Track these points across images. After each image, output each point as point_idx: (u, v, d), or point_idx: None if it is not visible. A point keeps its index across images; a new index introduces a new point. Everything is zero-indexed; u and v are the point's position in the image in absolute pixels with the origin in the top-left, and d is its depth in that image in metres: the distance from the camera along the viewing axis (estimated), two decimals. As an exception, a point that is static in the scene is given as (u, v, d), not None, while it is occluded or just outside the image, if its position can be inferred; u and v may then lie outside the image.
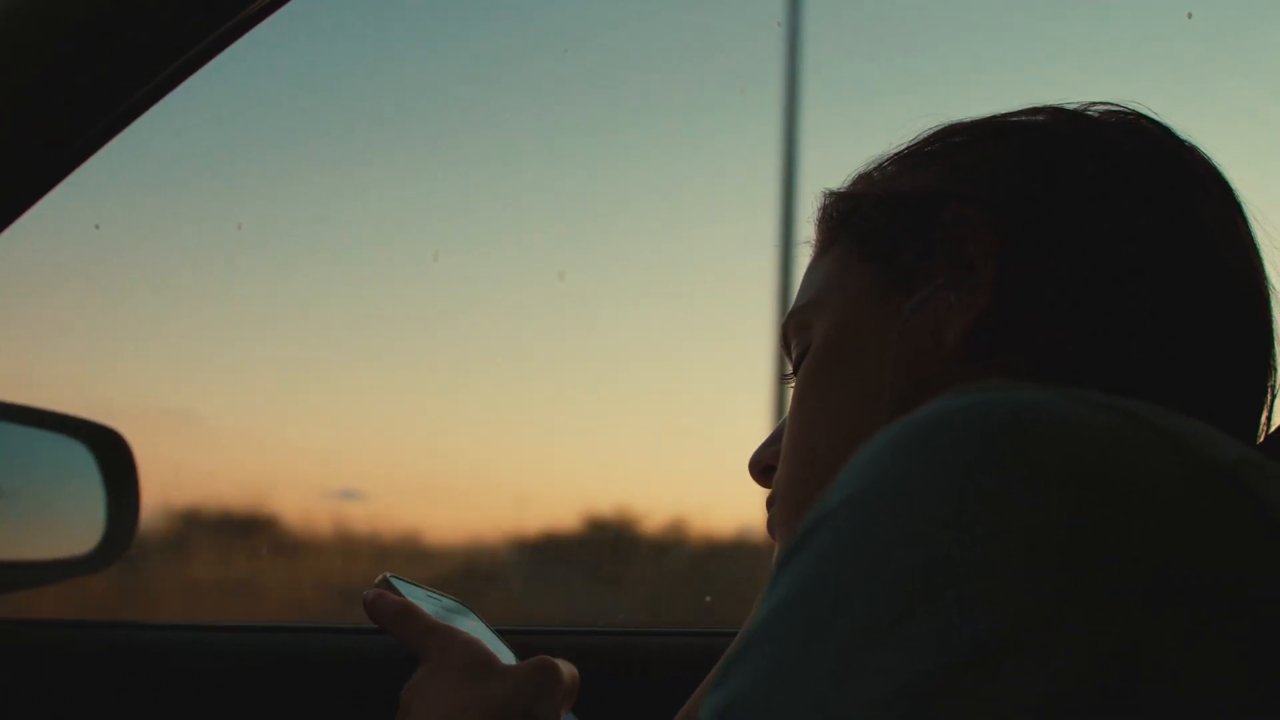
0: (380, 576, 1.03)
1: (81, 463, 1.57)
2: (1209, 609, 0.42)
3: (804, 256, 0.89)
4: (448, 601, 1.09)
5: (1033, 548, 0.43)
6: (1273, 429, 0.79)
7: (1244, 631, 0.42)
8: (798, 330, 0.84)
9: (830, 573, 0.47)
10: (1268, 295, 0.77)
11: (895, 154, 0.84)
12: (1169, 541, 0.44)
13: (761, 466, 0.89)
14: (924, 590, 0.44)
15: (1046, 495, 0.45)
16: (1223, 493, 0.46)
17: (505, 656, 1.00)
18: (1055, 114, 0.80)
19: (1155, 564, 0.43)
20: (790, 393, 0.84)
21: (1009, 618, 0.42)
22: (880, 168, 0.84)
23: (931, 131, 0.83)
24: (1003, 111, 0.81)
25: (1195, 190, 0.76)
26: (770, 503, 0.86)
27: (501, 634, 1.10)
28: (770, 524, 0.86)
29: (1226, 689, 0.41)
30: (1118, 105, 0.80)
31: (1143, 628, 0.42)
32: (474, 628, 1.05)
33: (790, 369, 0.86)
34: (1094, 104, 0.80)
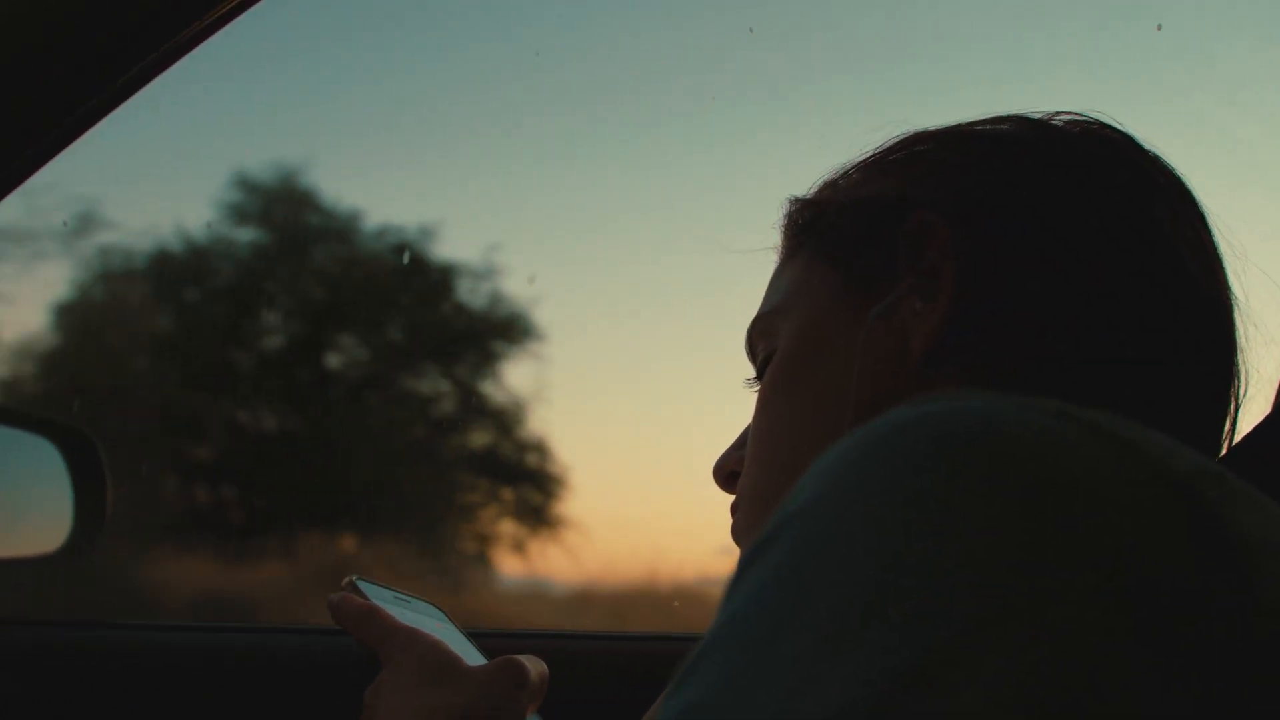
0: (346, 579, 1.03)
1: (49, 461, 1.56)
2: (1163, 619, 0.43)
3: (769, 263, 0.89)
4: (418, 603, 1.09)
5: (987, 557, 0.44)
6: (1236, 440, 0.80)
7: (1197, 641, 0.42)
8: (762, 336, 0.84)
9: (788, 579, 0.47)
10: (1230, 304, 0.77)
11: (860, 161, 0.84)
12: (1124, 551, 0.44)
13: (726, 472, 0.89)
14: (879, 599, 0.44)
15: (1001, 504, 0.45)
16: (1180, 504, 0.46)
17: (474, 658, 1.00)
18: (1019, 123, 0.80)
19: (1109, 573, 0.43)
20: (755, 399, 0.84)
21: (963, 626, 0.42)
22: (845, 174, 0.84)
23: (896, 139, 0.83)
24: (967, 120, 0.82)
25: (1157, 199, 0.76)
26: (735, 509, 0.86)
27: (473, 636, 1.09)
28: (734, 530, 0.86)
29: (1179, 699, 0.41)
30: (1081, 115, 0.80)
31: (1096, 637, 0.42)
32: (443, 630, 1.05)
33: (755, 375, 0.86)
34: (1058, 113, 0.80)
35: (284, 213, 4.04)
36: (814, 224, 0.83)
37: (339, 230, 4.11)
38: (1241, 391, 0.78)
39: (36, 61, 0.98)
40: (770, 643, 0.45)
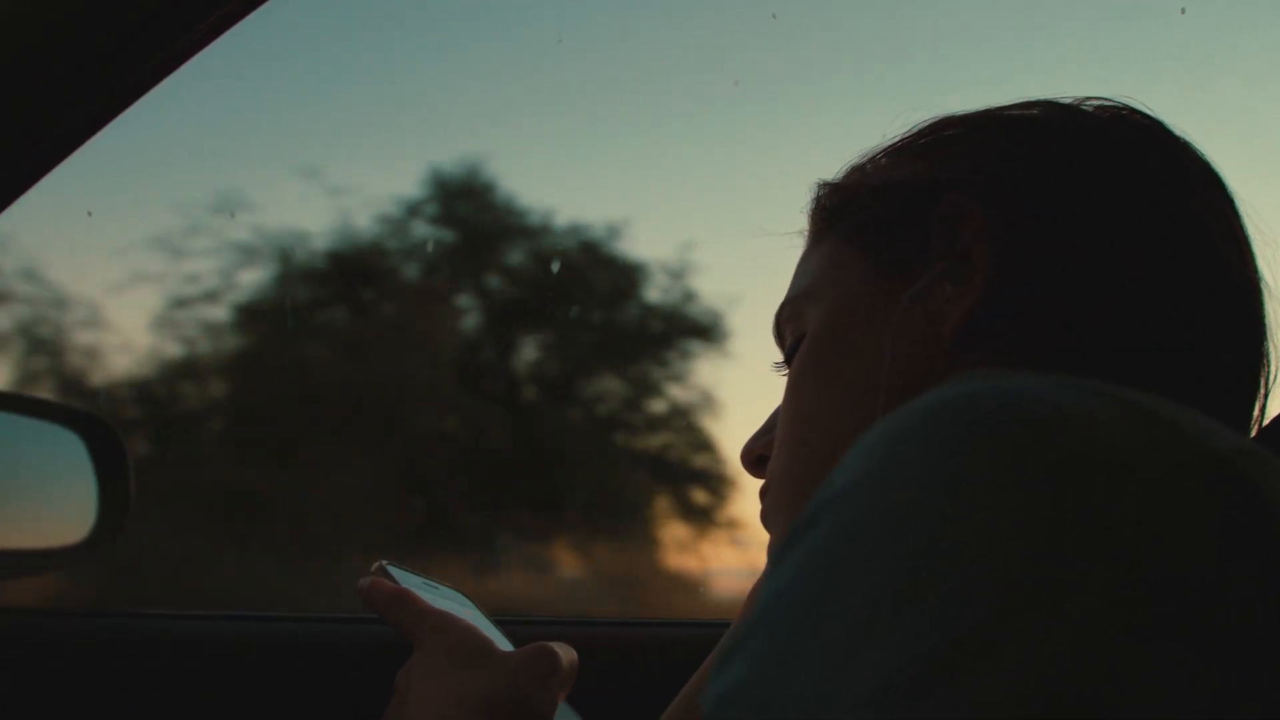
0: (376, 564, 1.04)
1: (73, 452, 1.57)
2: (1205, 597, 0.43)
3: (797, 248, 0.89)
4: (445, 590, 1.09)
5: (1029, 536, 0.44)
6: (1267, 423, 0.79)
7: (1239, 620, 0.43)
8: (791, 320, 0.84)
9: (829, 561, 0.47)
10: (1260, 289, 0.77)
11: (889, 146, 0.84)
12: (1166, 530, 0.44)
13: (754, 457, 0.89)
14: (920, 579, 0.44)
15: (1042, 483, 0.45)
16: (1221, 482, 0.47)
17: (503, 645, 1.01)
18: (1049, 107, 0.80)
19: (1152, 552, 0.43)
20: (785, 382, 0.84)
21: (986, 615, 0.42)
22: (874, 160, 0.84)
23: (925, 124, 0.83)
24: (996, 105, 0.82)
25: (1187, 184, 0.76)
26: (763, 493, 0.86)
27: (499, 623, 1.10)
28: (764, 514, 0.86)
29: (1200, 691, 0.41)
30: (1111, 100, 0.80)
31: (1115, 629, 0.42)
32: (472, 616, 1.05)
33: (783, 359, 0.86)
34: (1088, 99, 0.80)
35: (468, 209, 4.00)
36: (843, 208, 0.83)
37: (524, 228, 4.05)
38: (1271, 376, 0.78)
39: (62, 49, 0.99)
40: (804, 628, 0.46)
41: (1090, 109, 0.80)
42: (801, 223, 0.89)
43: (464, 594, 1.12)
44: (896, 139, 0.84)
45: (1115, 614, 0.42)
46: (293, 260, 3.79)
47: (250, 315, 3.84)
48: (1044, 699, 0.40)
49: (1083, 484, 0.45)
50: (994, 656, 0.41)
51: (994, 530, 0.44)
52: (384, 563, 1.03)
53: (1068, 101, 0.80)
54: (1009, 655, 0.41)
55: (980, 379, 0.52)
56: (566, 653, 0.95)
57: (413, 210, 3.93)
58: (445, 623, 0.95)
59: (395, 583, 1.01)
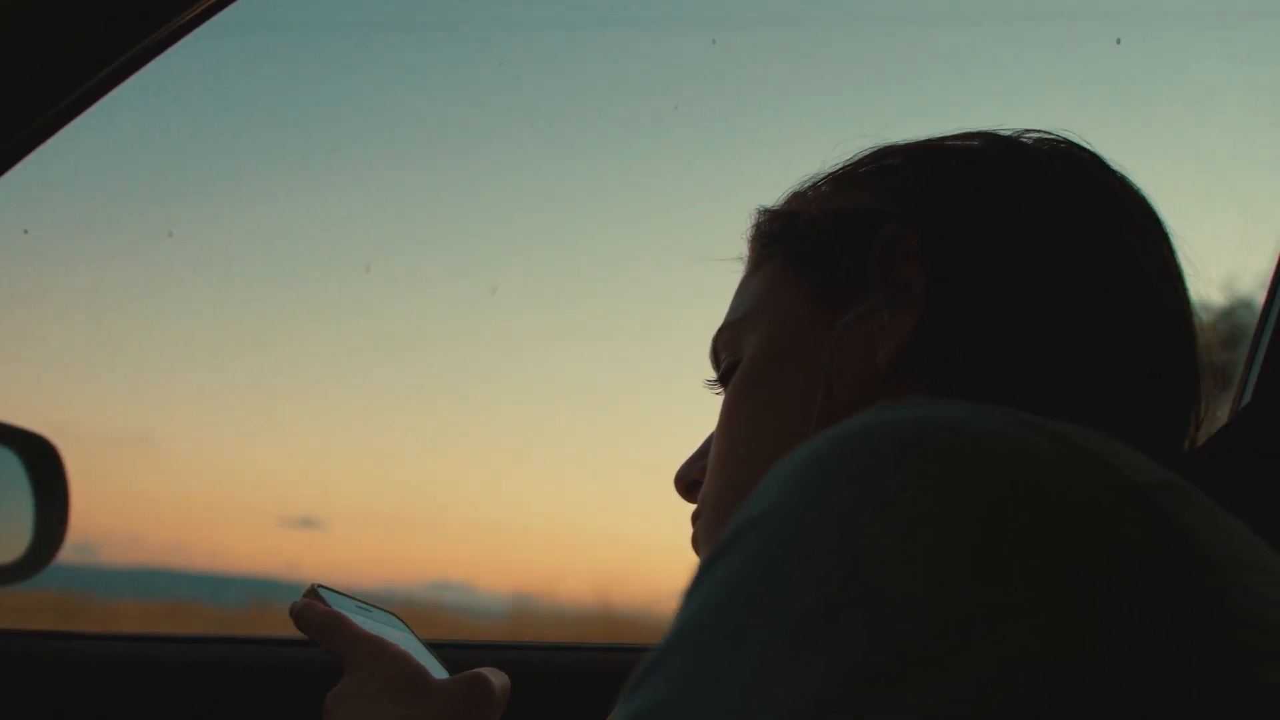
0: (308, 586, 1.03)
1: (9, 470, 1.54)
2: (1122, 627, 0.43)
3: (736, 274, 0.89)
4: (378, 613, 1.08)
5: (946, 563, 0.44)
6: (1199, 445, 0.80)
7: (1151, 655, 0.43)
8: (728, 345, 0.84)
9: (749, 583, 0.47)
10: (1193, 324, 0.78)
11: (830, 173, 0.84)
12: (1085, 558, 0.44)
13: (688, 481, 0.89)
14: (840, 603, 0.44)
15: (962, 513, 0.45)
16: (1141, 514, 0.47)
17: (436, 670, 1.00)
18: (989, 139, 0.81)
19: (1068, 580, 0.44)
20: (719, 407, 0.84)
21: (919, 634, 0.42)
22: (815, 186, 0.84)
23: (866, 152, 0.83)
24: (937, 135, 0.82)
25: (1123, 218, 0.77)
26: (695, 518, 0.86)
27: (433, 647, 1.09)
28: (695, 539, 0.86)
29: (1135, 708, 0.42)
30: (1050, 133, 0.81)
31: (1052, 642, 0.42)
32: (404, 640, 1.05)
33: (716, 379, 0.86)
34: (1028, 131, 0.81)
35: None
36: (783, 235, 0.83)
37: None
38: (1203, 405, 0.79)
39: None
40: (731, 645, 0.45)
41: (1030, 141, 0.80)
42: (741, 248, 0.89)
43: (397, 617, 1.12)
44: (837, 166, 0.84)
45: (1036, 637, 0.42)
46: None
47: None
48: (983, 713, 0.40)
49: (1006, 510, 0.45)
50: (919, 677, 0.41)
51: (928, 549, 0.44)
52: (316, 585, 1.02)
53: (1008, 134, 0.81)
54: (943, 673, 0.41)
55: (903, 406, 0.52)
56: (499, 679, 0.95)
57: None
58: (377, 648, 0.94)
59: (327, 605, 1.00)
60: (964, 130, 0.82)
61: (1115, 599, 0.44)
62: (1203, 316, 0.79)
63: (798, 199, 0.85)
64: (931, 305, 0.73)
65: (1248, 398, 1.56)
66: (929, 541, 0.44)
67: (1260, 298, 1.61)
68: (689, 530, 0.87)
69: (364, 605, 1.07)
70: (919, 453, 0.48)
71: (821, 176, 0.85)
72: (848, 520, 0.46)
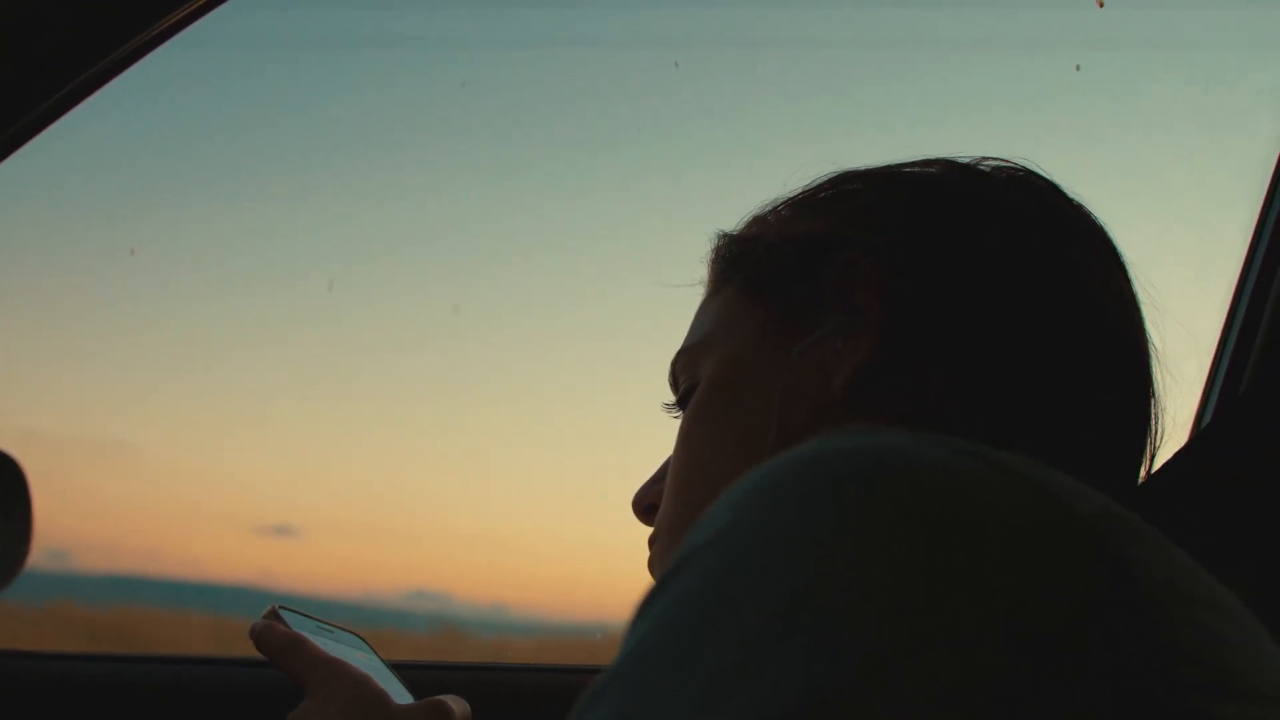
0: (269, 607, 1.02)
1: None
2: (1062, 658, 0.43)
3: (695, 297, 0.89)
4: (341, 634, 1.07)
5: (888, 590, 0.44)
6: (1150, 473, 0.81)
7: (1095, 681, 0.43)
8: (686, 368, 0.85)
9: (695, 608, 0.47)
10: (1147, 351, 0.79)
11: (789, 198, 0.84)
12: (1024, 587, 0.45)
13: (645, 505, 0.89)
14: (785, 628, 0.44)
15: (903, 540, 0.46)
16: (1083, 543, 0.47)
17: (398, 692, 0.99)
18: (947, 166, 0.81)
19: (1009, 609, 0.44)
20: (676, 431, 0.84)
21: (863, 659, 0.42)
22: (775, 211, 0.85)
23: (825, 178, 0.83)
24: (896, 161, 0.83)
25: (1079, 247, 0.78)
26: (652, 541, 0.86)
27: (395, 668, 1.08)
28: (651, 563, 0.86)
29: None
30: (1009, 161, 0.82)
31: (994, 672, 0.42)
32: (366, 662, 1.04)
33: (675, 403, 0.87)
34: (986, 158, 0.82)
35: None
36: (742, 259, 0.83)
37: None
38: (1157, 434, 0.80)
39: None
40: (677, 668, 0.45)
41: (988, 169, 0.81)
42: (701, 272, 0.89)
43: (361, 638, 1.11)
44: (797, 191, 0.84)
45: (994, 660, 0.42)
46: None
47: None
48: None
49: (955, 533, 0.46)
50: (873, 698, 0.41)
51: (871, 576, 0.44)
52: (277, 606, 1.02)
53: (966, 161, 0.82)
54: (887, 697, 0.41)
55: (851, 434, 0.52)
56: (459, 705, 0.94)
57: None
58: (337, 670, 0.93)
59: (287, 627, 0.99)
60: (922, 157, 0.82)
61: (1057, 629, 0.44)
62: (1158, 345, 0.80)
63: (757, 223, 0.85)
64: (887, 331, 0.74)
65: (1208, 419, 1.58)
66: (877, 567, 0.45)
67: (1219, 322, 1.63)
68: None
69: (326, 626, 1.06)
70: (858, 482, 0.48)
71: (781, 201, 0.85)
72: (798, 545, 0.47)
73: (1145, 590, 0.47)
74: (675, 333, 0.89)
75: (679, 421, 0.84)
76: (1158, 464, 0.80)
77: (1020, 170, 0.81)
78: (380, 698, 0.91)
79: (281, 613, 1.01)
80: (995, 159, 0.82)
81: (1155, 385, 0.79)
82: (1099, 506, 0.50)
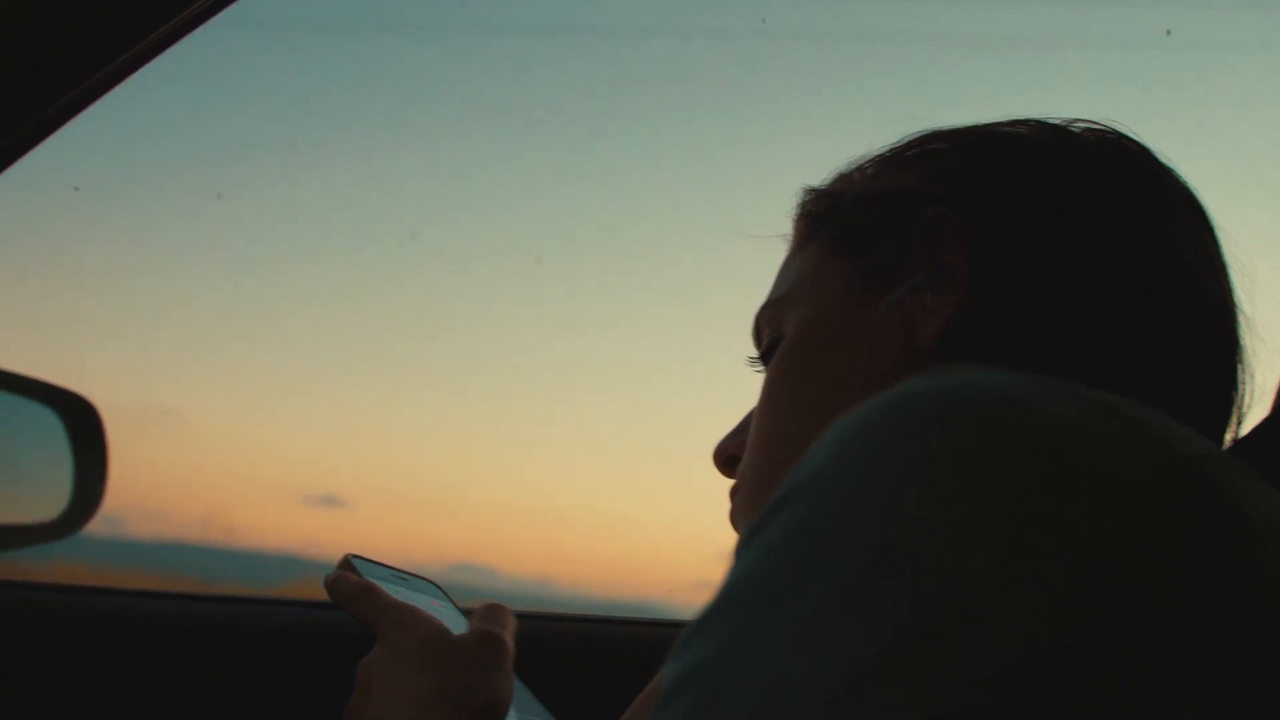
0: (342, 557, 1.04)
1: (50, 429, 1.56)
2: (1165, 594, 0.43)
3: (780, 252, 0.89)
4: (416, 582, 1.09)
5: (991, 525, 0.44)
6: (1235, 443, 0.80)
7: (1193, 620, 0.43)
8: (770, 322, 0.85)
9: (795, 545, 0.48)
10: (1235, 314, 0.78)
11: (876, 156, 0.84)
12: (1129, 525, 0.45)
13: (726, 456, 0.89)
14: (882, 564, 0.44)
15: (1006, 474, 0.46)
16: (1187, 482, 0.47)
17: None
18: (1038, 126, 0.81)
19: (1113, 546, 0.44)
20: (761, 384, 0.84)
21: (964, 592, 0.43)
22: (861, 168, 0.85)
23: (913, 136, 0.83)
24: (984, 121, 0.82)
25: (1168, 209, 0.77)
26: (734, 493, 0.87)
27: (470, 615, 1.10)
28: (733, 514, 0.86)
29: (1168, 678, 0.42)
30: (1099, 123, 0.81)
31: (1096, 608, 0.42)
32: (441, 609, 1.05)
33: (758, 356, 0.87)
34: (1077, 120, 0.81)
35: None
36: (828, 215, 0.84)
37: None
38: (1244, 399, 0.79)
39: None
40: (777, 604, 0.46)
41: (1078, 130, 0.80)
42: (786, 227, 0.89)
43: (436, 585, 1.12)
44: (884, 149, 0.84)
45: (1075, 607, 0.42)
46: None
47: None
48: (1003, 686, 0.41)
49: (1050, 477, 0.46)
50: (957, 644, 0.42)
51: (962, 521, 0.45)
52: (350, 555, 1.04)
53: (1056, 122, 0.81)
54: (972, 643, 0.42)
55: (949, 374, 0.52)
56: (507, 622, 0.96)
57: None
58: (407, 617, 0.95)
59: (360, 576, 1.01)
60: (1012, 118, 0.82)
61: (1162, 564, 0.44)
62: (1247, 310, 0.79)
63: (844, 180, 0.85)
64: (975, 289, 0.74)
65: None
66: (974, 506, 0.45)
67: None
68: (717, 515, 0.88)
69: (400, 574, 1.08)
70: (959, 419, 0.48)
71: (868, 158, 0.85)
72: (892, 486, 0.47)
73: (1247, 527, 0.47)
74: (746, 295, 0.89)
75: (761, 376, 0.84)
76: (1244, 430, 0.79)
77: (1110, 132, 0.81)
78: (444, 636, 0.93)
79: (354, 561, 1.03)
80: (1085, 121, 0.81)
81: (1243, 349, 0.78)
82: (1201, 447, 0.50)
